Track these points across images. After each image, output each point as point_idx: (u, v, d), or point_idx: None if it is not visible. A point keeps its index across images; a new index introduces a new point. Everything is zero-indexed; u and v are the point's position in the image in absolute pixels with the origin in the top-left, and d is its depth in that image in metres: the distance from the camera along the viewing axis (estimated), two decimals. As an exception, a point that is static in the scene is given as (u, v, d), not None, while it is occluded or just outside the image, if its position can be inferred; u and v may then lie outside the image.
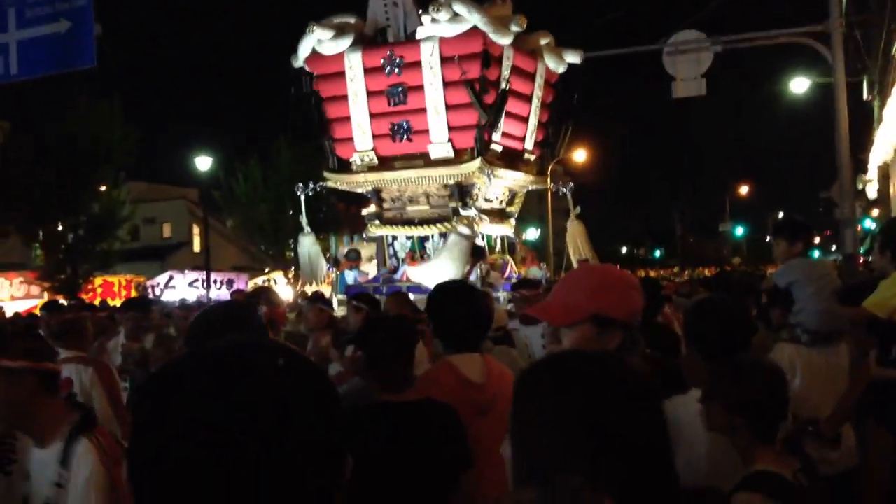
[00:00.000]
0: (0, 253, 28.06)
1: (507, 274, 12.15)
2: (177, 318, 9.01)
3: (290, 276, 21.03)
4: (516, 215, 13.45)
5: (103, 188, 28.10)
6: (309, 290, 11.80)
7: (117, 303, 15.58)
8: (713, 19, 16.96)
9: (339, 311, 8.82)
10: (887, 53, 15.30)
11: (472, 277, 11.11)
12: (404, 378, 3.12)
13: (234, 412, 0.90)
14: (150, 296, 23.03)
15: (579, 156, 41.24)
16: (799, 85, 20.09)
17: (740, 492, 2.47)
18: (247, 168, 33.41)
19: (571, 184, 14.23)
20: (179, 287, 27.01)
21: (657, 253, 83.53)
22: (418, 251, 12.31)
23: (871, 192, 21.00)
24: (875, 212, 23.50)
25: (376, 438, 2.87)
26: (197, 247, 41.52)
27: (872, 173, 20.28)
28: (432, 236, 12.33)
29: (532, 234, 40.03)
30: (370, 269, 13.00)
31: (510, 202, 13.28)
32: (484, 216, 12.38)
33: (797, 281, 4.72)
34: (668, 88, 16.34)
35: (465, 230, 11.39)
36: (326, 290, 11.96)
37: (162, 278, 28.09)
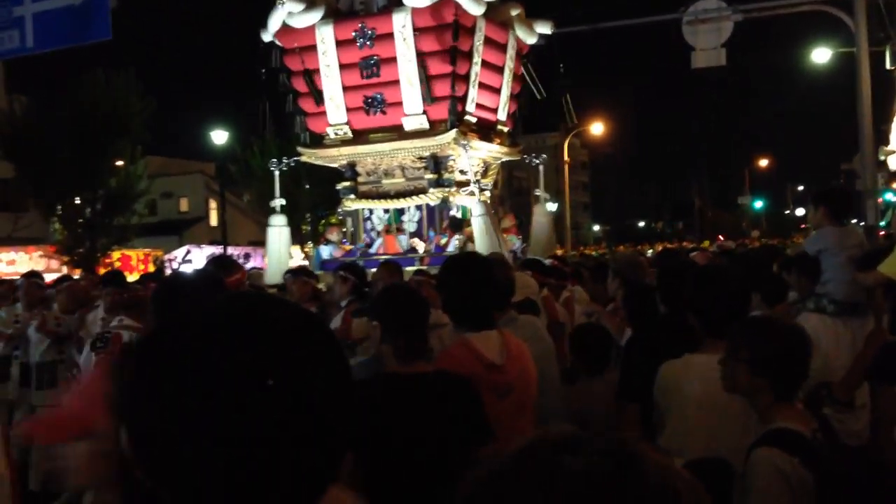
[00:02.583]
0: (19, 227, 28.29)
1: None
2: None
3: (307, 249, 21.06)
4: (491, 187, 13.34)
5: (121, 163, 28.21)
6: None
7: (135, 276, 15.65)
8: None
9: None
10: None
11: (451, 248, 11.08)
12: (419, 349, 2.95)
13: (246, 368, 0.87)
14: (168, 270, 23.14)
15: (596, 128, 41.03)
16: (821, 55, 19.79)
17: (760, 447, 2.47)
18: (262, 142, 33.36)
19: (544, 156, 13.93)
20: (197, 261, 27.14)
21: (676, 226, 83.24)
22: (395, 224, 12.26)
23: (893, 163, 20.70)
24: (896, 184, 23.21)
25: (388, 410, 2.72)
26: (214, 221, 41.69)
27: (894, 144, 19.99)
28: (408, 209, 12.29)
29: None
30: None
31: (484, 174, 13.18)
32: (486, 184, 12.31)
33: (827, 249, 4.65)
34: (688, 59, 16.12)
35: (478, 210, 11.32)
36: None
37: (179, 252, 28.22)
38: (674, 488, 0.75)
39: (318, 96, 12.15)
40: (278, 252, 12.95)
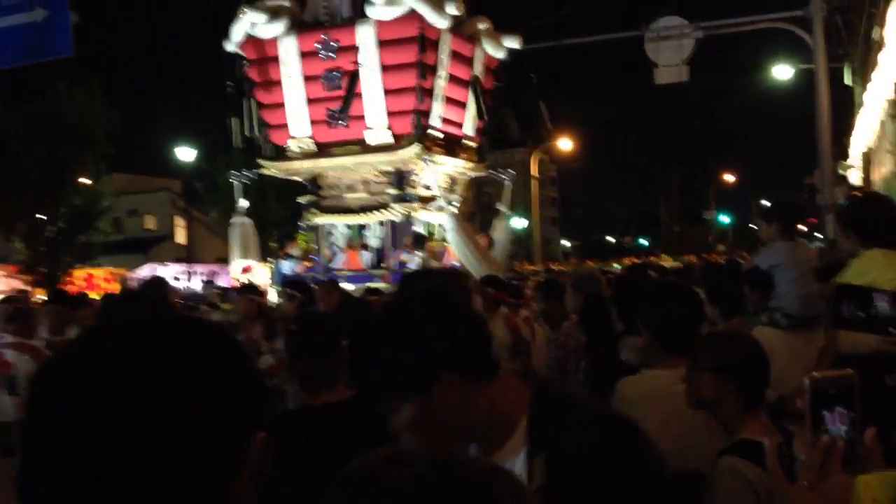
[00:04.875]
0: (-20, 247, 27.83)
1: (446, 261, 12.13)
2: None
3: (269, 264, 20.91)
4: (458, 202, 13.34)
5: (85, 180, 27.87)
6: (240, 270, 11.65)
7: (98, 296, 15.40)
8: (694, 5, 16.95)
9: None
10: (868, 38, 15.30)
11: (412, 265, 11.07)
12: (323, 379, 2.85)
13: (124, 392, 0.84)
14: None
15: (564, 144, 41.33)
16: (782, 71, 20.14)
17: (726, 456, 2.48)
18: (229, 158, 33.12)
19: (512, 171, 13.95)
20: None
21: (643, 241, 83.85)
22: (358, 240, 12.19)
23: (854, 177, 21.04)
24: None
25: (295, 448, 2.63)
26: (181, 238, 41.31)
27: (855, 159, 20.33)
28: (371, 224, 12.22)
29: (518, 223, 39.94)
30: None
31: (451, 189, 13.15)
32: (459, 198, 12.30)
33: (779, 265, 4.70)
34: (651, 75, 16.29)
35: (451, 224, 11.30)
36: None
37: (144, 270, 27.88)
38: (494, 491, 0.83)
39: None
40: (242, 243, 12.85)
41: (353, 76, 11.18)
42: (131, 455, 0.83)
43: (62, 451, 0.84)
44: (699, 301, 3.41)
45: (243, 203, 13.04)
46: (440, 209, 11.72)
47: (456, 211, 11.67)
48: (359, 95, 11.50)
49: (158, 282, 6.43)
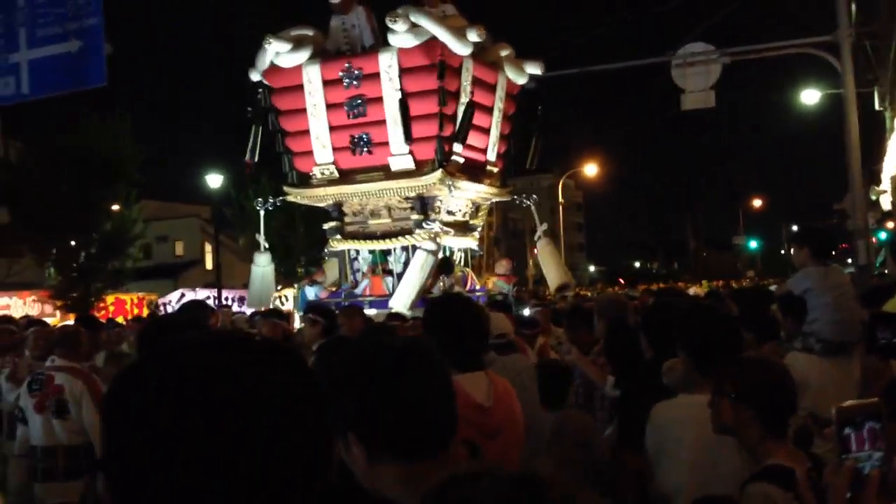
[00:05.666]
0: (14, 272, 28.25)
1: (468, 287, 12.10)
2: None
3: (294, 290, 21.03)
4: (480, 227, 13.32)
5: (116, 207, 28.29)
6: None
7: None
8: (721, 30, 16.94)
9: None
10: (897, 63, 15.20)
11: (435, 290, 11.04)
12: None
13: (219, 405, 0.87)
14: (162, 314, 23.02)
15: (590, 170, 41.31)
16: (810, 96, 20.02)
17: (754, 482, 2.45)
18: (257, 185, 33.42)
19: (535, 196, 13.96)
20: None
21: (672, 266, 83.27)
22: (380, 264, 12.21)
23: (885, 203, 20.79)
24: (889, 224, 23.27)
25: None
26: (209, 264, 41.68)
27: (886, 184, 20.10)
28: (394, 249, 12.24)
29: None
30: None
31: (474, 215, 13.17)
32: (448, 228, 12.30)
33: (812, 289, 4.65)
34: (678, 101, 16.25)
35: (429, 245, 11.30)
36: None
37: (173, 296, 28.13)
38: None
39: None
40: (259, 290, 12.92)
41: (402, 103, 11.25)
42: (198, 473, 0.84)
43: (132, 476, 0.86)
44: (737, 324, 3.37)
45: (262, 242, 13.13)
46: (428, 233, 11.72)
47: (433, 247, 11.59)
48: (382, 122, 11.59)
49: (199, 305, 6.44)
